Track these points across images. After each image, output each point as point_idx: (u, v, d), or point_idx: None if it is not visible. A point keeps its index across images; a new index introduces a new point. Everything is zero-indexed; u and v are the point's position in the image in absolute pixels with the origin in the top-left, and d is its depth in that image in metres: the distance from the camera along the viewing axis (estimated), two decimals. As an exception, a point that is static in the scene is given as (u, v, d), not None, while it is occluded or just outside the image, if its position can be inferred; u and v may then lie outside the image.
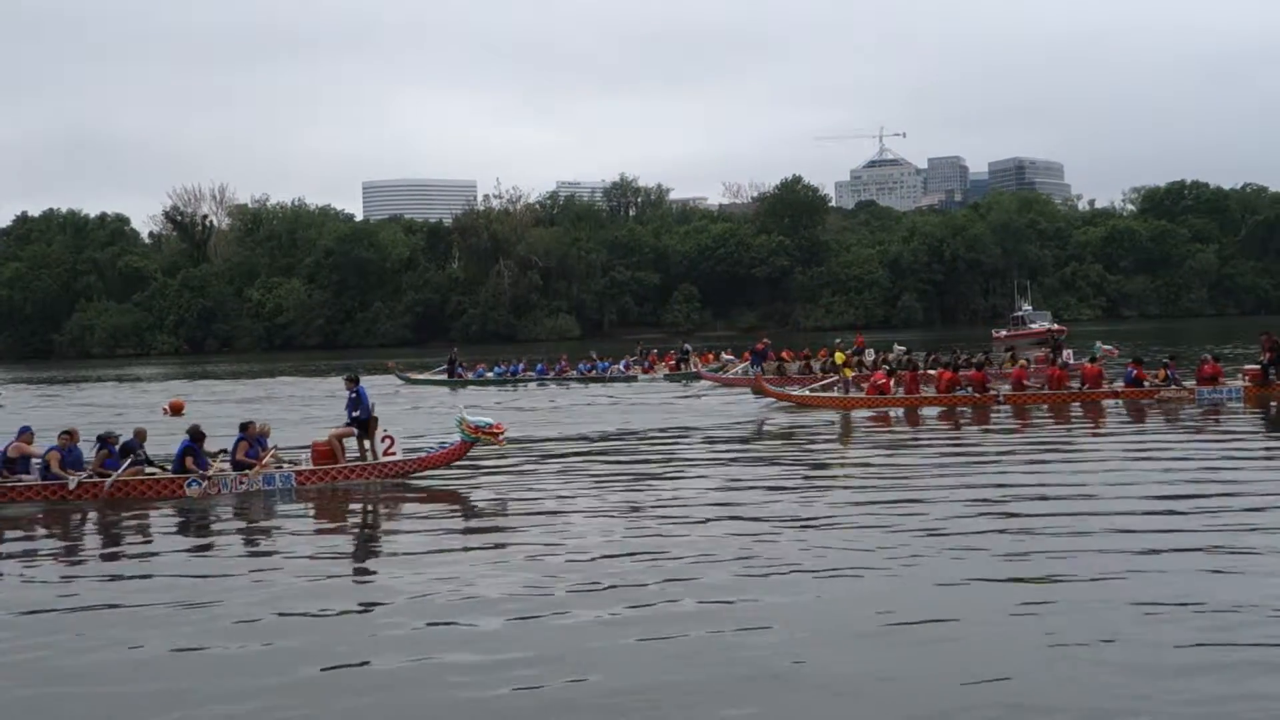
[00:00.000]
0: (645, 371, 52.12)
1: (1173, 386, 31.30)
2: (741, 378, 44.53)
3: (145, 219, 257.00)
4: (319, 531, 16.79)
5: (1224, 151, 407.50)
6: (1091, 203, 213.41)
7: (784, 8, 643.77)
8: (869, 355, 44.92)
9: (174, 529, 17.16)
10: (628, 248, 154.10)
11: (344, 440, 20.99)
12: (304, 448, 21.40)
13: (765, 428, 28.70)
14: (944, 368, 33.87)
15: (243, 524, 17.40)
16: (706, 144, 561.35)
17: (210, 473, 19.73)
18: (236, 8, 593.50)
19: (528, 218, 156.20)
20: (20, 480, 19.34)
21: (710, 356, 55.40)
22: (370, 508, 18.71)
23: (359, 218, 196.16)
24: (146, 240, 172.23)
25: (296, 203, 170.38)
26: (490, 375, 53.57)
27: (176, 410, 36.16)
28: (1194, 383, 31.53)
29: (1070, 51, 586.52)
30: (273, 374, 72.60)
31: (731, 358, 52.42)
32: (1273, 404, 29.42)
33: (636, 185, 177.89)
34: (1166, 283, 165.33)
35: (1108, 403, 30.59)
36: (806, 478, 19.72)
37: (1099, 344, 42.49)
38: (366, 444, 21.01)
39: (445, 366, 55.20)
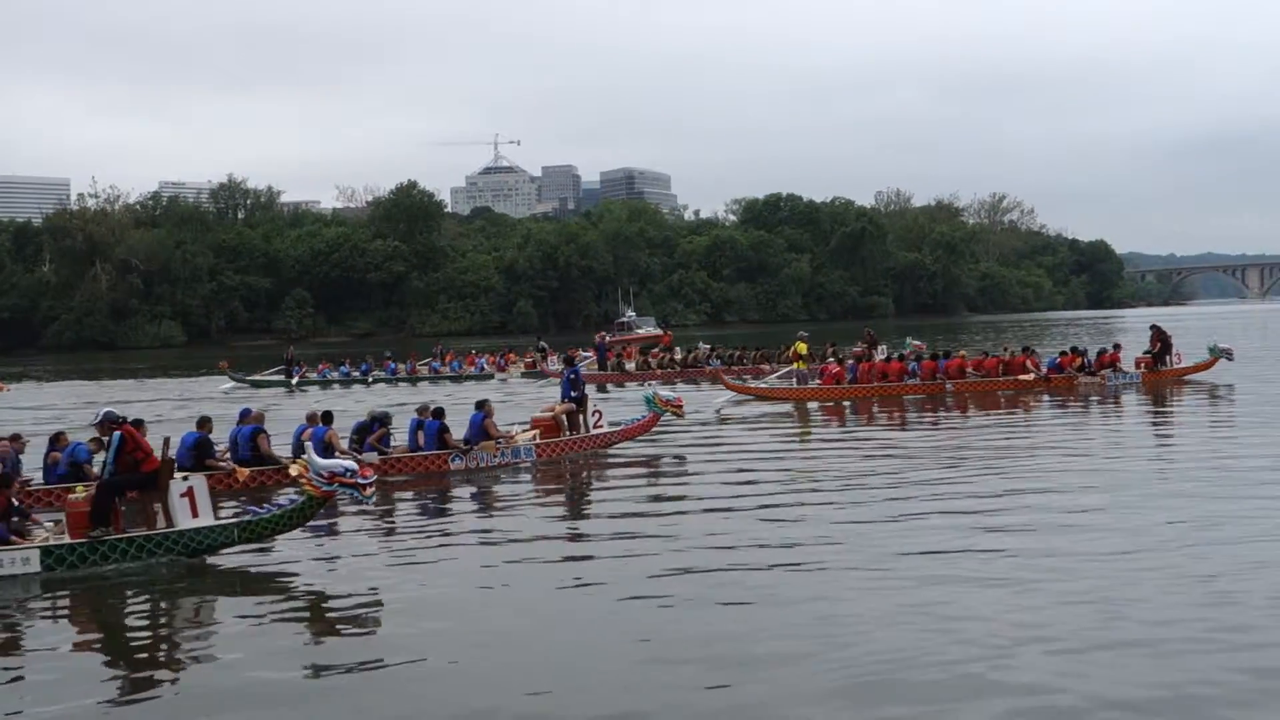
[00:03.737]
0: (501, 370, 54.09)
1: (1094, 375, 35.00)
2: (586, 373, 49.14)
3: None
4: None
5: (816, 166, 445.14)
6: (697, 213, 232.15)
7: (402, 11, 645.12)
8: (677, 353, 52.33)
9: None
10: (236, 251, 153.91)
11: (566, 416, 23.84)
12: None
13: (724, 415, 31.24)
14: (892, 359, 37.21)
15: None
16: (319, 146, 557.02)
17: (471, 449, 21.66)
18: None
19: (127, 219, 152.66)
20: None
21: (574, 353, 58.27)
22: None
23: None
24: None
25: None
26: (335, 375, 53.61)
27: None
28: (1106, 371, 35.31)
29: (678, 68, 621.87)
30: None
31: (590, 355, 54.11)
32: (1166, 388, 33.94)
33: (245, 187, 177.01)
34: (765, 290, 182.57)
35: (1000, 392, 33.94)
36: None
37: (909, 339, 46.30)
38: (579, 418, 24.08)
39: (282, 366, 54.68)
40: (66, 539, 13.82)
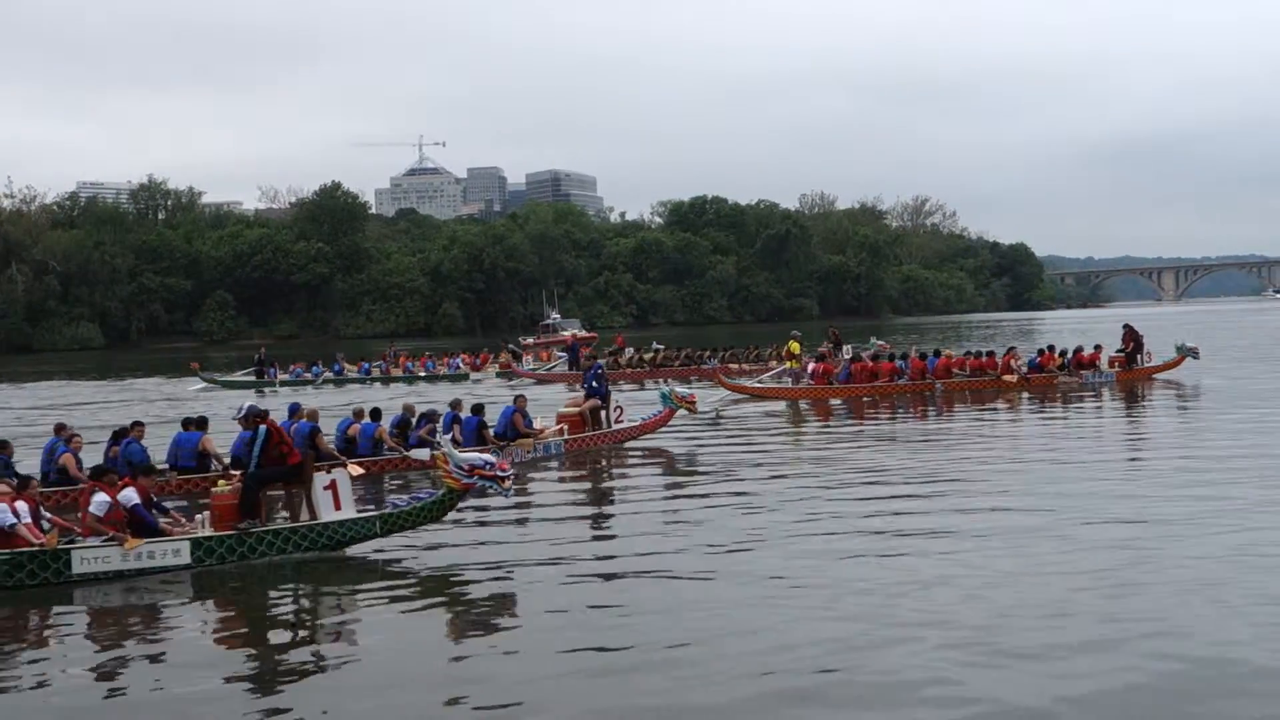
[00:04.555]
0: (475, 369, 55.07)
1: (1073, 373, 36.47)
2: (558, 373, 51.21)
3: None
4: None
5: (740, 169, 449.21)
6: (623, 215, 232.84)
7: (326, 12, 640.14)
8: (627, 354, 53.59)
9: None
10: (156, 252, 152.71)
11: (591, 412, 25.13)
12: None
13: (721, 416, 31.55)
14: (882, 360, 37.74)
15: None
16: (242, 146, 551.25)
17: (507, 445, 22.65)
18: None
19: (44, 219, 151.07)
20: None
21: (545, 355, 60.47)
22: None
23: None
24: None
25: None
26: (308, 376, 53.55)
27: None
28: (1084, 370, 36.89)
29: (605, 70, 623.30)
30: None
31: (563, 355, 55.97)
32: (1138, 386, 35.79)
33: (166, 188, 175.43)
34: (691, 292, 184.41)
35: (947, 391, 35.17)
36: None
37: (874, 339, 47.38)
38: (603, 414, 25.36)
39: (254, 367, 54.96)
40: (208, 530, 14.34)
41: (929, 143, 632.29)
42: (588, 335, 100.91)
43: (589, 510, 18.09)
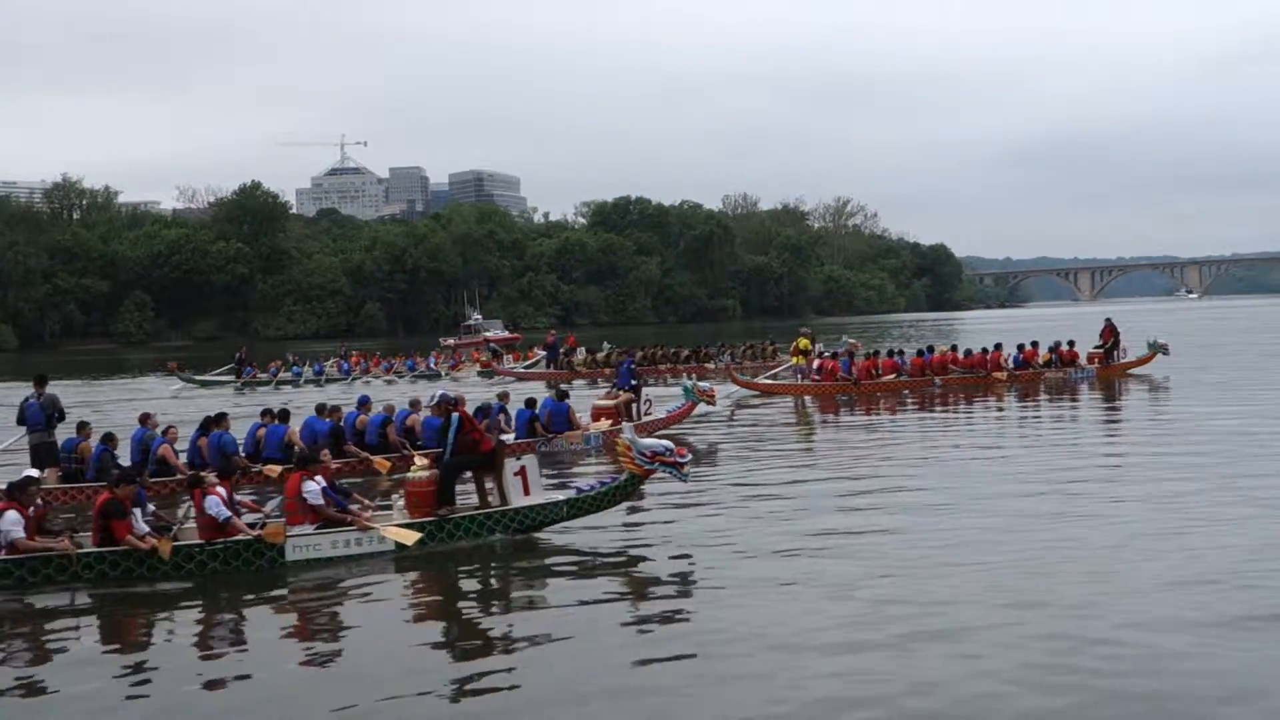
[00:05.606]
0: (454, 369, 56.28)
1: (1058, 369, 37.87)
2: (538, 371, 51.82)
3: None
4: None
5: (667, 169, 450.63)
6: (546, 216, 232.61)
7: (244, 9, 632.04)
8: (579, 354, 53.59)
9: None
10: (71, 253, 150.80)
11: (625, 405, 26.36)
12: None
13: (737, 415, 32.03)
14: (883, 356, 38.68)
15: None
16: (158, 145, 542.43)
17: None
18: None
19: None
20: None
21: (530, 353, 61.17)
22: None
23: None
24: None
25: None
26: (286, 375, 53.55)
27: None
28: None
29: (530, 69, 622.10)
30: None
31: (543, 353, 56.46)
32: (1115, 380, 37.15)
33: (81, 187, 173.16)
34: (615, 292, 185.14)
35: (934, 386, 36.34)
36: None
37: (845, 338, 48.46)
38: (634, 407, 26.74)
39: (233, 365, 55.34)
40: (403, 517, 14.86)
41: (854, 144, 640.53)
42: (510, 337, 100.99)
43: (745, 496, 18.10)
